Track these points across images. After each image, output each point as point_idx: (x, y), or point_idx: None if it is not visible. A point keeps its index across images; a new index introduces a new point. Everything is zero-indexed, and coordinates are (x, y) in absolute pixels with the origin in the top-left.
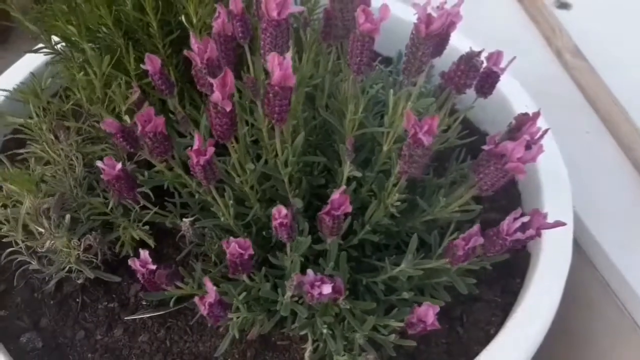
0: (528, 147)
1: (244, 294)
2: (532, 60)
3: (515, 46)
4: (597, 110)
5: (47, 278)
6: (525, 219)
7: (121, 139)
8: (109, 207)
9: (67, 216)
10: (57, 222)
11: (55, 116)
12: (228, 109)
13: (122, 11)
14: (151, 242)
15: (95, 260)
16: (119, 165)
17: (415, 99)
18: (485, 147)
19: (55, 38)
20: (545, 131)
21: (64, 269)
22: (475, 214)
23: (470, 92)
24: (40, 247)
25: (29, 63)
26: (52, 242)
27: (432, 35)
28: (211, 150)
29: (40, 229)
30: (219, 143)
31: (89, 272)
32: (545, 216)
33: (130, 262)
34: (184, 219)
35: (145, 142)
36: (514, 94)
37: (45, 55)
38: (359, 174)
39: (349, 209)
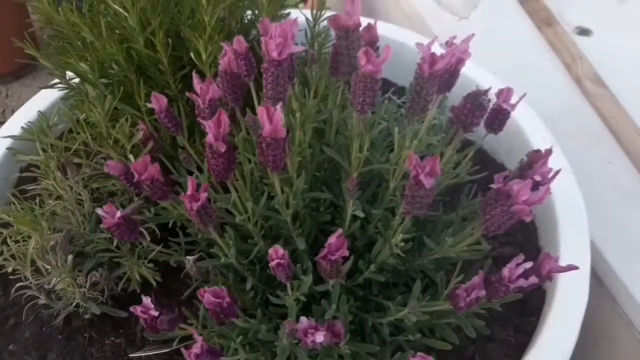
0: (537, 186)
1: (241, 337)
2: (551, 88)
3: (535, 74)
4: (619, 139)
5: (55, 313)
6: (529, 264)
7: (125, 181)
8: (115, 244)
9: (70, 257)
10: (63, 259)
11: (63, 153)
12: (222, 150)
13: (134, 48)
14: (155, 280)
15: (101, 297)
16: (119, 213)
17: (421, 136)
18: (493, 186)
19: (70, 73)
20: (557, 172)
21: (71, 304)
22: (486, 252)
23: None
24: (47, 284)
25: (45, 99)
26: (58, 279)
27: (437, 75)
28: (204, 196)
29: (47, 266)
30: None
31: (95, 309)
32: (556, 259)
33: (132, 309)
34: (187, 257)
35: (144, 188)
36: (530, 125)
37: (59, 90)
38: (362, 215)
39: (346, 253)
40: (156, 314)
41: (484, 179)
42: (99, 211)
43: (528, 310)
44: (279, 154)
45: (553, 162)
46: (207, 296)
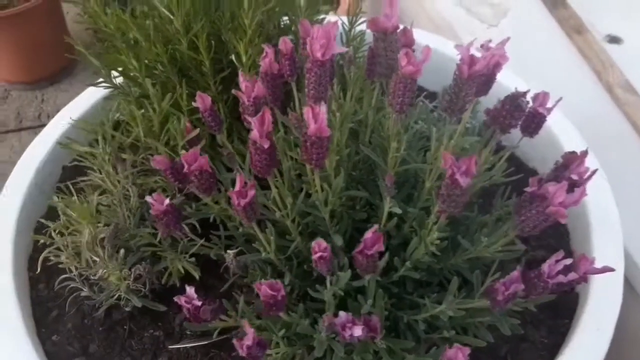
0: (572, 188)
1: (283, 330)
2: (582, 96)
3: (565, 82)
4: None
5: (97, 305)
6: (568, 261)
7: (170, 175)
8: (157, 239)
9: (122, 250)
10: (110, 252)
11: (115, 148)
12: (266, 146)
13: (177, 50)
14: (197, 274)
15: (143, 290)
16: (167, 201)
17: (457, 137)
18: (527, 189)
19: (113, 73)
20: (594, 172)
21: (113, 297)
22: (520, 253)
23: (516, 129)
24: (93, 275)
25: (90, 96)
26: (105, 271)
27: (475, 76)
28: (252, 193)
29: (95, 258)
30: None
31: (137, 301)
32: (592, 261)
33: (176, 299)
34: (228, 251)
35: (192, 180)
36: (564, 131)
37: (104, 89)
38: (399, 211)
39: (382, 248)
40: (199, 303)
41: (518, 184)
42: (148, 199)
43: (561, 313)
44: (322, 152)
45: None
46: (264, 288)
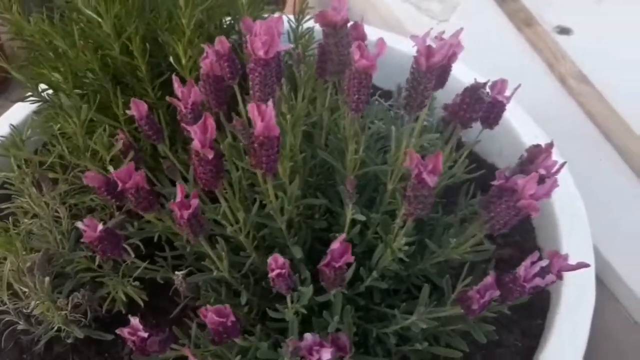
0: (541, 181)
1: (239, 357)
2: (535, 88)
3: (517, 74)
4: (608, 137)
5: (35, 338)
6: (544, 262)
7: (105, 193)
8: (97, 263)
9: (47, 279)
10: (42, 280)
11: (38, 168)
12: (210, 157)
13: (109, 55)
14: (142, 300)
15: (84, 320)
16: (101, 226)
17: (418, 134)
18: (494, 183)
19: (44, 85)
20: (563, 164)
21: (52, 328)
22: (490, 254)
23: (476, 124)
24: (26, 308)
25: (19, 113)
26: (36, 302)
27: (434, 68)
28: (195, 202)
29: (24, 289)
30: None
31: (78, 332)
32: (565, 257)
33: (119, 331)
34: (176, 272)
35: (128, 198)
36: (521, 123)
37: (31, 104)
38: (362, 218)
39: (351, 259)
40: (146, 335)
41: (479, 180)
42: (80, 225)
43: (533, 313)
44: (272, 155)
45: None
46: (210, 315)
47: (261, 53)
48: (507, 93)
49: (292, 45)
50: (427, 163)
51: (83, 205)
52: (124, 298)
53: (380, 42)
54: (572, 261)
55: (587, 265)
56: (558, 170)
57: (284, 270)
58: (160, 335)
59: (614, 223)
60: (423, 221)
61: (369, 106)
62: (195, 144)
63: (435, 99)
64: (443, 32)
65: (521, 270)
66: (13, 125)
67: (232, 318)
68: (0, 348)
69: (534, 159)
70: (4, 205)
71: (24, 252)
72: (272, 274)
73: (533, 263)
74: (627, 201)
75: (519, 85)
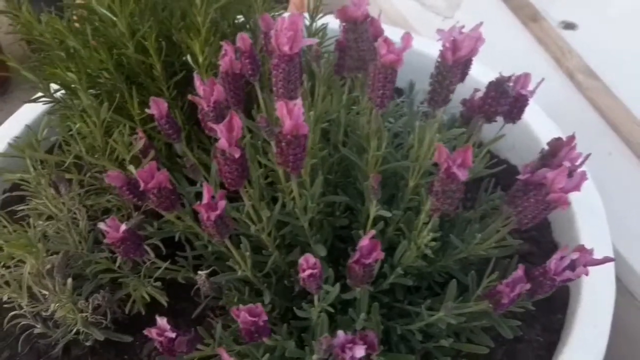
0: (569, 174)
1: (267, 355)
2: (543, 83)
3: (525, 70)
4: (617, 130)
5: (53, 342)
6: (575, 255)
7: (127, 192)
8: (117, 264)
9: (69, 280)
10: (61, 283)
11: (54, 169)
12: (237, 156)
13: (124, 54)
14: (164, 300)
15: (104, 321)
16: (124, 227)
17: (438, 130)
18: (520, 177)
19: (54, 86)
20: (587, 157)
21: (71, 331)
22: (514, 248)
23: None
24: (45, 311)
25: (28, 113)
26: (57, 305)
27: (460, 61)
28: (222, 204)
29: (44, 292)
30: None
31: (98, 334)
32: (591, 252)
33: (146, 331)
34: (198, 272)
35: (150, 198)
36: (534, 117)
37: (44, 104)
38: (388, 214)
39: (381, 255)
40: (173, 335)
41: (497, 176)
42: (102, 226)
43: (554, 308)
44: (299, 153)
45: None
46: (243, 314)
47: (286, 49)
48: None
49: (317, 41)
50: (456, 157)
51: (99, 207)
52: (147, 298)
53: (407, 36)
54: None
55: (612, 259)
56: (583, 163)
57: (315, 270)
58: (187, 335)
59: (625, 216)
60: (442, 217)
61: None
62: (222, 143)
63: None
64: (463, 26)
65: (552, 263)
66: (28, 126)
67: (264, 317)
68: (17, 352)
69: (557, 153)
70: (18, 208)
71: (43, 255)
72: (303, 274)
73: (563, 257)
74: (636, 193)
75: (542, 80)
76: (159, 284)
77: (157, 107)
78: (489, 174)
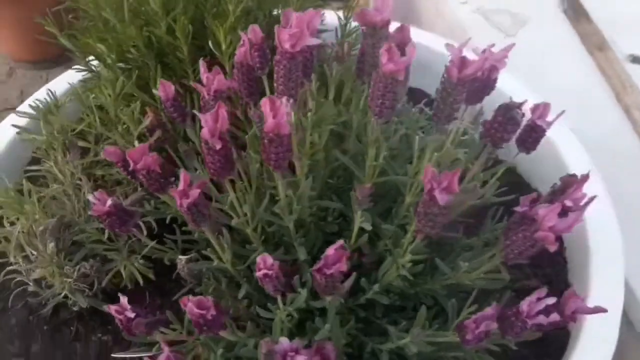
0: (565, 213)
1: (222, 350)
2: (597, 115)
3: (580, 98)
4: None
5: (43, 302)
6: (551, 300)
7: (122, 169)
8: (107, 236)
9: (52, 244)
10: (51, 246)
11: (69, 135)
12: (218, 147)
13: (154, 33)
14: (150, 277)
15: (87, 289)
16: (110, 201)
17: (445, 148)
18: (518, 209)
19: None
20: (592, 199)
21: (59, 294)
22: (505, 282)
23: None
24: (33, 271)
25: (65, 82)
26: (43, 267)
27: (466, 81)
28: (195, 193)
29: (34, 252)
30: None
31: (82, 301)
32: (582, 299)
33: (106, 307)
34: (179, 257)
35: (140, 179)
36: (569, 150)
37: (76, 72)
38: (368, 227)
39: (344, 268)
40: (132, 315)
41: (516, 204)
42: (90, 197)
43: (548, 351)
44: (281, 152)
45: (590, 189)
46: (190, 306)
47: (287, 46)
48: (551, 118)
49: (319, 41)
50: (441, 180)
51: (110, 178)
52: (136, 273)
53: (411, 47)
54: (594, 301)
55: (604, 311)
56: (586, 205)
57: (271, 272)
58: (148, 317)
59: None
60: (440, 240)
61: (406, 111)
62: (204, 133)
63: (483, 113)
64: (493, 45)
65: (525, 304)
66: (50, 91)
67: (213, 312)
68: (9, 306)
69: (566, 189)
70: (30, 168)
71: (36, 215)
72: (258, 273)
73: (539, 299)
74: None
75: (563, 112)
76: (142, 261)
77: (164, 89)
78: (502, 202)
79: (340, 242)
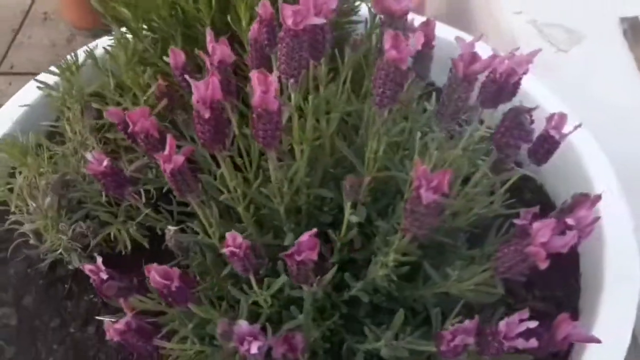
0: (564, 232)
1: (190, 325)
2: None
3: (624, 121)
4: None
5: (42, 256)
6: (532, 324)
7: (122, 131)
8: (104, 198)
9: (48, 198)
10: (51, 201)
11: (84, 95)
12: (206, 116)
13: (179, 4)
14: (145, 244)
15: (80, 249)
16: (106, 162)
17: (439, 144)
18: (517, 221)
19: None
20: (596, 219)
21: (56, 250)
22: (497, 297)
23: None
24: (30, 223)
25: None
26: (41, 221)
27: (473, 77)
28: (179, 160)
29: (32, 204)
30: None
31: (75, 260)
32: (575, 326)
33: (82, 265)
34: (168, 227)
35: (138, 142)
36: (598, 170)
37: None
38: (355, 219)
39: (314, 256)
40: (105, 277)
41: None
42: (88, 155)
43: None
44: (270, 130)
45: (612, 213)
46: (152, 275)
47: (290, 22)
48: (566, 130)
49: (324, 21)
50: (431, 178)
51: (123, 143)
52: (127, 240)
53: (419, 34)
54: (599, 331)
55: (597, 341)
56: (589, 227)
57: (238, 251)
58: (124, 282)
59: None
60: (440, 247)
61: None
62: (193, 99)
63: None
64: (518, 48)
65: (504, 324)
66: (75, 53)
67: (178, 283)
68: (9, 257)
69: (575, 208)
70: (48, 123)
71: (42, 169)
72: (225, 249)
73: (521, 321)
74: None
75: (579, 125)
76: (142, 230)
77: (174, 57)
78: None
79: (315, 229)
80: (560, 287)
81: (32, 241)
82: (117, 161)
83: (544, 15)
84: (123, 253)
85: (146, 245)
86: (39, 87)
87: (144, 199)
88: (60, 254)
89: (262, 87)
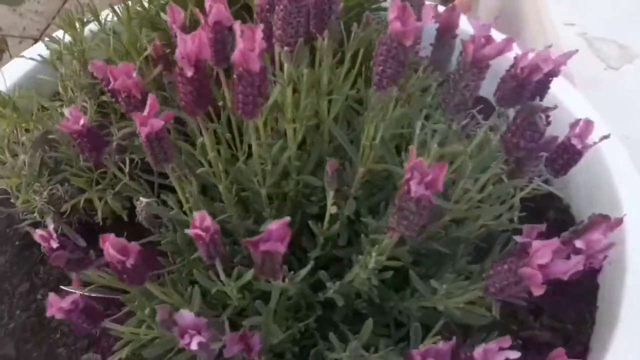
0: (568, 256)
1: (148, 309)
2: None
3: None
4: None
5: (21, 216)
6: (514, 355)
7: (105, 88)
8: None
9: (22, 156)
10: (30, 159)
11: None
12: (189, 74)
13: None
14: (123, 216)
15: (53, 212)
16: (83, 120)
17: (440, 139)
18: (518, 238)
19: None
20: (611, 245)
21: (32, 212)
22: (489, 320)
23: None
24: (5, 179)
25: None
26: (15, 179)
27: (483, 62)
28: (156, 123)
29: (11, 159)
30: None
31: (50, 222)
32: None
33: (33, 231)
34: (140, 198)
35: (119, 100)
36: (630, 194)
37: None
38: (334, 210)
39: (281, 249)
40: (55, 246)
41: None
42: (65, 110)
43: None
44: (250, 95)
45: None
46: (107, 246)
47: None
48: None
49: None
50: (427, 172)
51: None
52: (98, 210)
53: (427, 8)
54: None
55: None
56: (601, 251)
57: (204, 234)
58: (76, 254)
59: None
60: (442, 260)
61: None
62: (177, 53)
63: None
64: (550, 46)
65: (480, 352)
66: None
67: (133, 261)
68: None
69: (587, 231)
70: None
71: (24, 125)
72: (191, 231)
73: (501, 349)
74: None
75: (608, 135)
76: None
77: (173, 14)
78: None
79: (287, 218)
80: (572, 319)
81: (12, 199)
82: (109, 127)
83: (596, 29)
84: (101, 224)
85: (124, 217)
86: (45, 45)
87: (127, 168)
88: (42, 217)
89: (247, 43)
